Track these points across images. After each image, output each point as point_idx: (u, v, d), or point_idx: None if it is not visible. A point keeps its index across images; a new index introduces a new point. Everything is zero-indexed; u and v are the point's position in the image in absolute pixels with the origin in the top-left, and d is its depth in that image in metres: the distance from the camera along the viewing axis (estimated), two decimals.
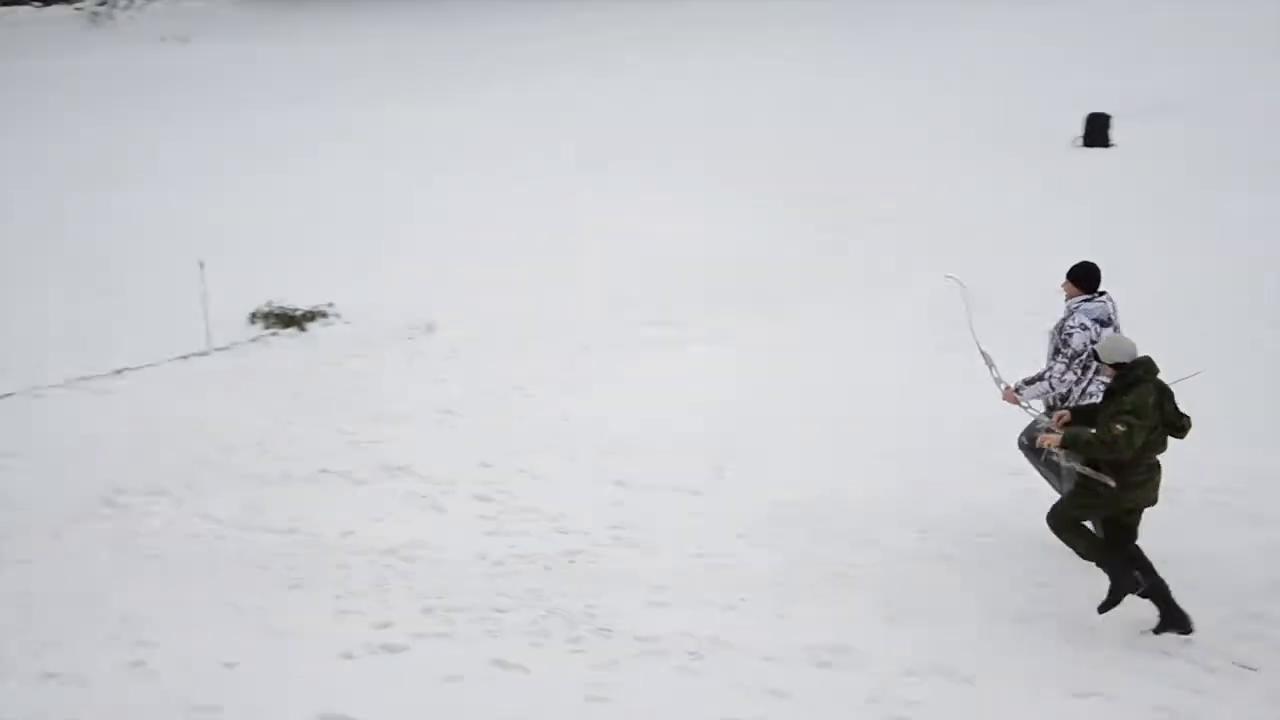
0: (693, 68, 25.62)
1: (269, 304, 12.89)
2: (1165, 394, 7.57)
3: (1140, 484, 7.60)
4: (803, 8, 31.31)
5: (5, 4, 32.43)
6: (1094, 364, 8.21)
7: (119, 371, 11.26)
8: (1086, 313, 8.55)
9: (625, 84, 24.17)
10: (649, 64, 26.03)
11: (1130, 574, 7.55)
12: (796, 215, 16.14)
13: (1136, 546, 7.71)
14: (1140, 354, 7.57)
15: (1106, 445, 7.40)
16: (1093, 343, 8.26)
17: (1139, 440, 7.36)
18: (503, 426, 10.65)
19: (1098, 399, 8.06)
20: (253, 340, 12.13)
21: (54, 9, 33.05)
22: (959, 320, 8.84)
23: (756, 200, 16.72)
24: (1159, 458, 7.62)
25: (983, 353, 8.60)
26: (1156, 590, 7.58)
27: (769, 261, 13.57)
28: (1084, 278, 8.64)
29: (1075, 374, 8.53)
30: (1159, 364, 7.52)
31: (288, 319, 12.69)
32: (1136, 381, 7.52)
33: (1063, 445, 7.70)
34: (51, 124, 21.14)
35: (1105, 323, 8.52)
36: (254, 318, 12.70)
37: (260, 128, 20.66)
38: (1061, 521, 7.78)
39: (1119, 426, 7.33)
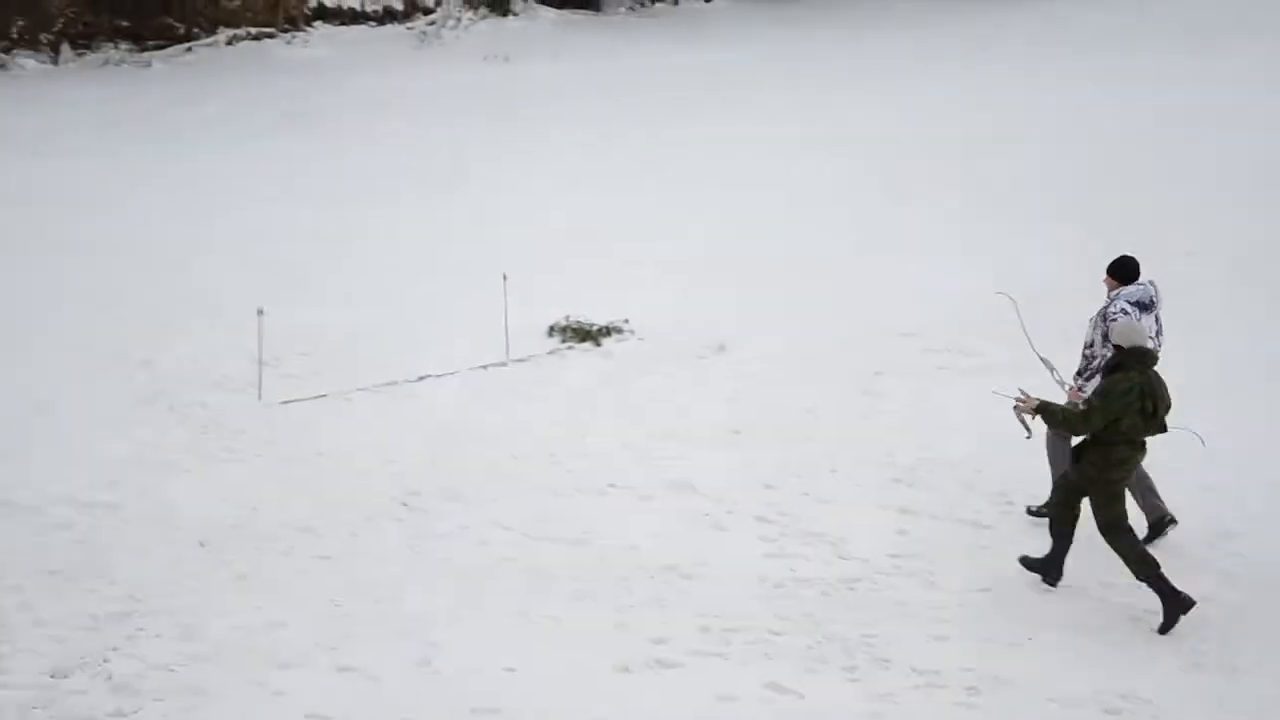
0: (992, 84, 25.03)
1: (567, 318, 13.16)
2: (1151, 390, 8.07)
3: (1119, 463, 8.18)
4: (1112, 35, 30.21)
5: (342, 23, 34.09)
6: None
7: (421, 378, 11.69)
8: (1127, 297, 9.04)
9: (914, 105, 23.75)
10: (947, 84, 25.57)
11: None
12: (1098, 246, 15.54)
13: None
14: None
15: (1066, 420, 8.29)
16: None
17: (1096, 422, 8.03)
18: (789, 449, 10.61)
19: None
20: (549, 353, 12.41)
21: (387, 28, 34.53)
22: None
23: (1046, 229, 16.19)
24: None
25: (1042, 359, 9.11)
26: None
27: (1067, 291, 13.12)
28: (1121, 270, 9.20)
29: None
30: None
31: (584, 334, 12.94)
32: (1120, 368, 8.16)
33: (1035, 410, 8.38)
34: (379, 137, 22.15)
35: (1146, 306, 9.03)
36: (552, 331, 12.99)
37: (570, 145, 21.17)
38: (1110, 527, 8.22)
39: (1081, 406, 8.22)
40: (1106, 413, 8.03)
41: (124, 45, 30.08)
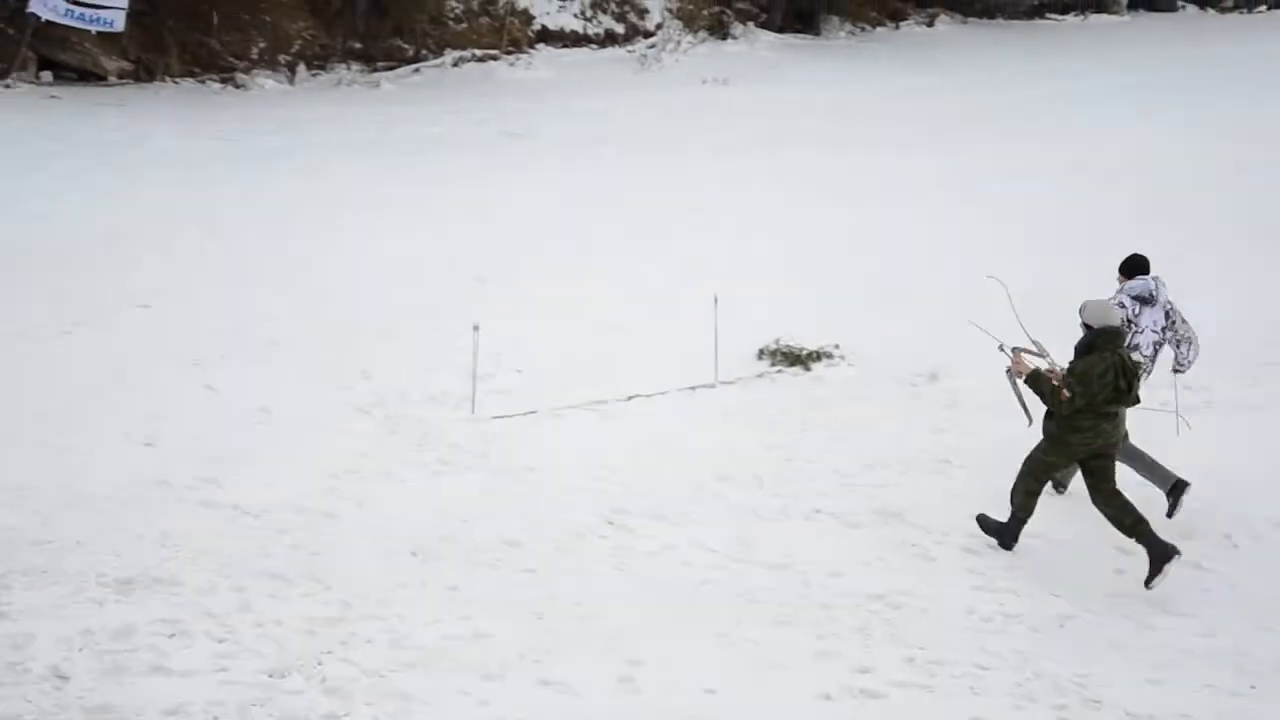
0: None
1: (777, 342, 13.12)
2: (1123, 368, 8.80)
3: (1084, 429, 8.86)
4: None
5: (564, 46, 34.67)
6: (1129, 337, 9.49)
7: (631, 398, 11.78)
8: (1129, 290, 9.81)
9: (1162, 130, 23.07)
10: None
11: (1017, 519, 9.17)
12: None
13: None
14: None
15: (1053, 400, 8.82)
16: (1128, 321, 9.55)
17: (1079, 404, 8.70)
18: (1000, 480, 10.34)
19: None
20: (758, 376, 12.40)
21: (608, 51, 34.98)
22: None
23: None
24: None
25: (1034, 342, 9.47)
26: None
27: None
28: (1127, 266, 9.99)
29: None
30: None
31: (794, 357, 12.89)
32: (1093, 348, 8.84)
33: (1027, 378, 9.05)
34: (596, 156, 22.45)
35: (1147, 299, 9.75)
36: (761, 354, 12.97)
37: (784, 168, 21.13)
38: (1029, 468, 9.15)
39: (1066, 393, 8.70)
40: (1087, 395, 8.73)
41: (355, 66, 31.07)
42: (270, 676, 7.08)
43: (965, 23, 40.00)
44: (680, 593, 8.52)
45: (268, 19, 30.42)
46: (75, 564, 8.20)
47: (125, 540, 8.60)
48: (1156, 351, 9.95)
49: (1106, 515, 9.06)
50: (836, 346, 13.04)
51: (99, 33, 26.74)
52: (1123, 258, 10.23)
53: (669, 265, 15.78)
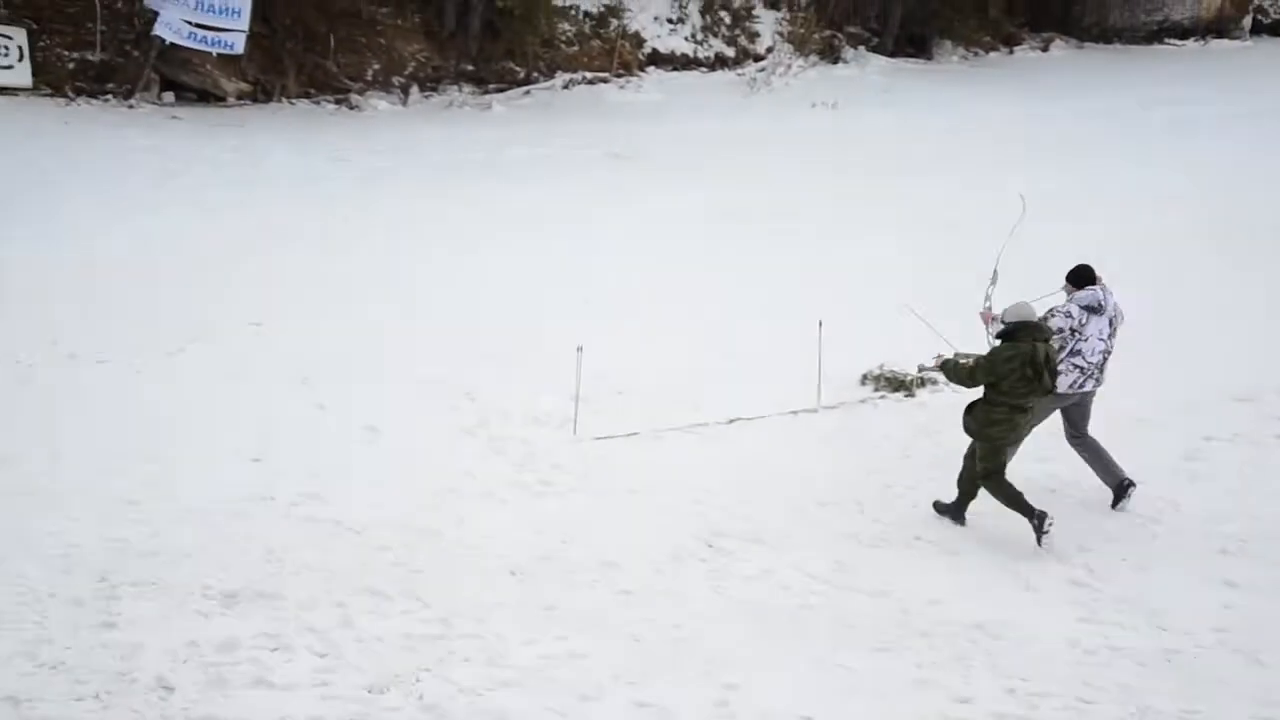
0: None
1: (880, 367, 13.04)
2: (1034, 359, 9.43)
3: (1000, 421, 9.61)
4: None
5: (674, 69, 34.81)
6: (1071, 343, 10.17)
7: (732, 420, 11.77)
8: (1078, 300, 10.33)
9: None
10: None
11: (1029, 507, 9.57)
12: None
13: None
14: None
15: (957, 373, 9.82)
16: (1073, 330, 10.21)
17: (979, 379, 9.61)
18: (1106, 513, 10.24)
19: (1070, 377, 10.18)
20: (861, 401, 12.32)
21: (718, 74, 35.07)
22: None
23: None
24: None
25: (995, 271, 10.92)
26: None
27: None
28: (1075, 277, 10.50)
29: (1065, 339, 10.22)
30: None
31: (897, 383, 12.79)
32: (1010, 337, 9.58)
33: (939, 367, 10.20)
34: (704, 178, 22.49)
35: (1095, 309, 10.25)
36: (865, 379, 12.90)
37: (893, 191, 21.03)
38: (988, 481, 9.76)
39: (967, 363, 9.76)
40: (989, 373, 9.55)
41: (467, 88, 31.44)
42: (369, 692, 7.19)
43: (1081, 48, 39.53)
44: (778, 617, 8.49)
45: (383, 41, 30.92)
46: (182, 576, 8.38)
47: (231, 554, 8.77)
48: (1104, 360, 10.35)
49: (963, 473, 10.06)
50: (936, 382, 12.92)
51: (220, 55, 27.35)
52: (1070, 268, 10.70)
53: (774, 288, 15.76)
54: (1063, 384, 10.12)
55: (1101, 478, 10.43)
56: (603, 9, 34.46)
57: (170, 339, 13.41)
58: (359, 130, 26.74)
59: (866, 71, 35.77)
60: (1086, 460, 10.52)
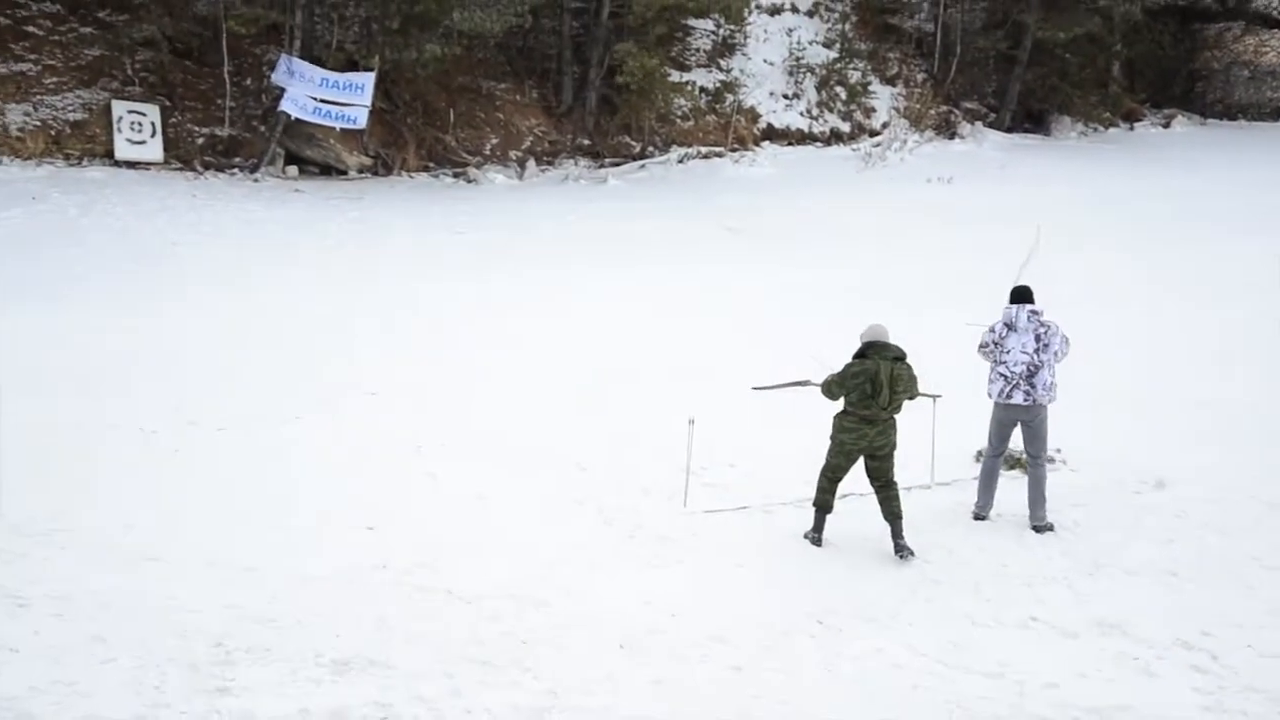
0: None
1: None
2: (875, 376, 10.41)
3: (849, 429, 10.65)
4: None
5: (789, 144, 34.94)
6: (996, 354, 11.39)
7: (843, 496, 11.66)
8: (1004, 316, 11.41)
9: None
10: None
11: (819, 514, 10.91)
12: None
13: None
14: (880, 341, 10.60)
15: (824, 387, 10.78)
16: (995, 344, 11.39)
17: (835, 393, 10.64)
18: (1231, 596, 9.94)
19: (998, 385, 11.39)
20: (975, 478, 12.12)
21: (832, 149, 35.17)
22: None
23: None
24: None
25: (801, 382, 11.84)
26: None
27: None
28: (1012, 294, 11.53)
29: (984, 357, 11.61)
30: None
31: (1014, 461, 12.57)
32: (861, 355, 10.60)
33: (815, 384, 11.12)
34: (816, 254, 22.49)
35: (1009, 324, 11.33)
36: (979, 455, 12.71)
37: (1004, 266, 20.79)
38: (822, 468, 10.88)
39: (824, 383, 10.78)
40: (840, 386, 10.59)
41: (583, 162, 31.82)
42: None
43: (1204, 124, 39.10)
44: (890, 697, 8.36)
45: (501, 116, 31.45)
46: (296, 643, 8.46)
47: (344, 621, 8.84)
48: (1030, 371, 11.25)
49: (880, 505, 10.78)
50: (1058, 450, 12.70)
51: (343, 129, 27.99)
52: None
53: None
54: (993, 390, 11.46)
55: (1029, 505, 11.40)
56: (719, 84, 34.76)
57: (288, 407, 13.66)
58: (475, 203, 27.15)
59: (983, 147, 35.66)
60: (1028, 482, 11.49)
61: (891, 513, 10.73)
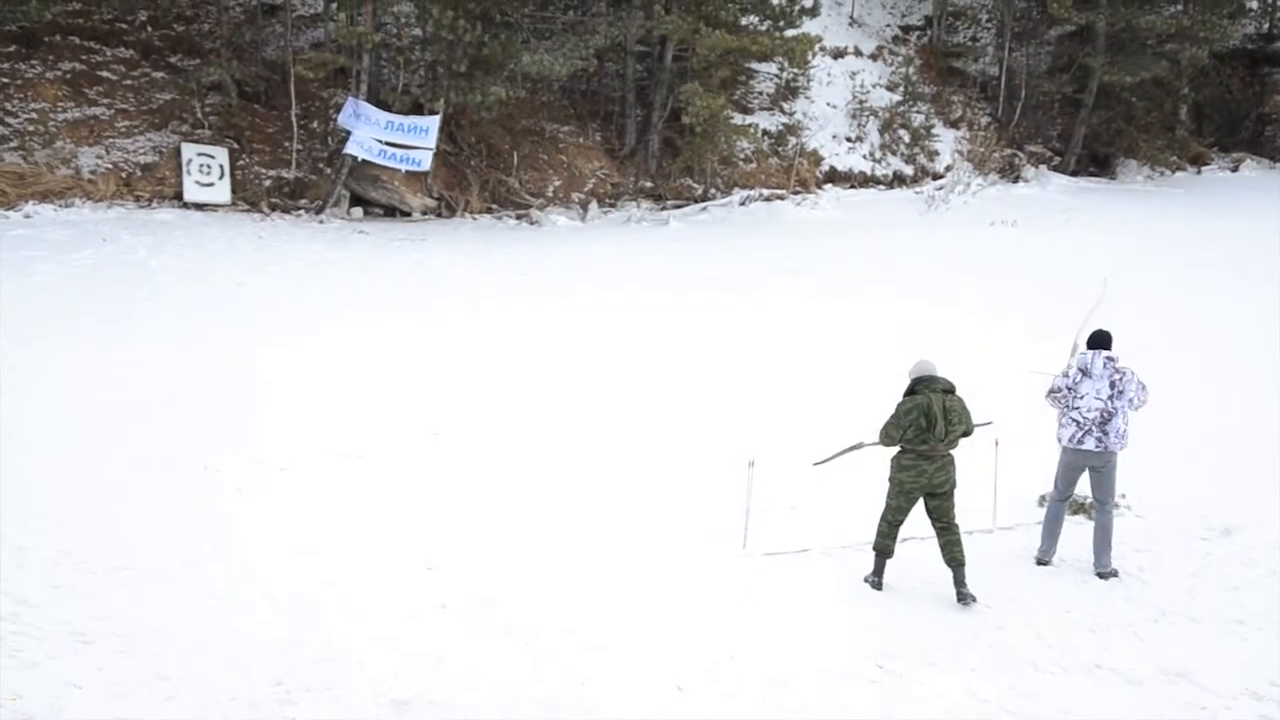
0: None
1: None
2: (929, 410, 10.37)
3: (907, 467, 10.59)
4: None
5: (852, 186, 34.95)
6: (1069, 400, 11.22)
7: (903, 540, 11.56)
8: (1079, 362, 11.31)
9: None
10: None
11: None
12: None
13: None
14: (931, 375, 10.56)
15: (882, 434, 10.66)
16: (1069, 389, 11.23)
17: (894, 436, 10.54)
18: None
19: (1069, 430, 11.24)
20: (1038, 523, 11.99)
21: (895, 192, 35.19)
22: None
23: None
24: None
25: (1075, 344, 12.02)
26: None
27: None
28: (1090, 339, 11.37)
29: (1054, 403, 11.44)
30: None
31: (1077, 505, 12.44)
32: (911, 393, 10.57)
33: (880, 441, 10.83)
34: (876, 295, 22.43)
35: (1084, 370, 11.19)
36: (1043, 500, 12.58)
37: (1064, 311, 20.65)
38: (883, 512, 10.85)
39: (881, 431, 10.66)
40: (896, 426, 10.51)
41: (645, 204, 31.95)
42: None
43: (1274, 167, 38.76)
44: None
45: (564, 159, 31.67)
46: (356, 682, 8.48)
47: (403, 661, 8.86)
48: (1103, 418, 11.10)
49: (941, 551, 10.68)
50: (1123, 496, 12.56)
51: (407, 171, 28.28)
52: None
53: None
54: (1064, 435, 11.30)
55: (1094, 551, 11.28)
56: (781, 127, 34.86)
57: (351, 445, 13.75)
58: (537, 245, 27.31)
59: (1047, 190, 35.52)
60: (1094, 528, 11.35)
61: (953, 559, 10.61)
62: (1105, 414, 11.09)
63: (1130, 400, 11.12)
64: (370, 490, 12.53)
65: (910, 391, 10.63)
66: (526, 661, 9.03)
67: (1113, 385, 11.08)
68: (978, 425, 10.97)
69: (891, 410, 10.64)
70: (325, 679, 8.51)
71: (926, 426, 10.41)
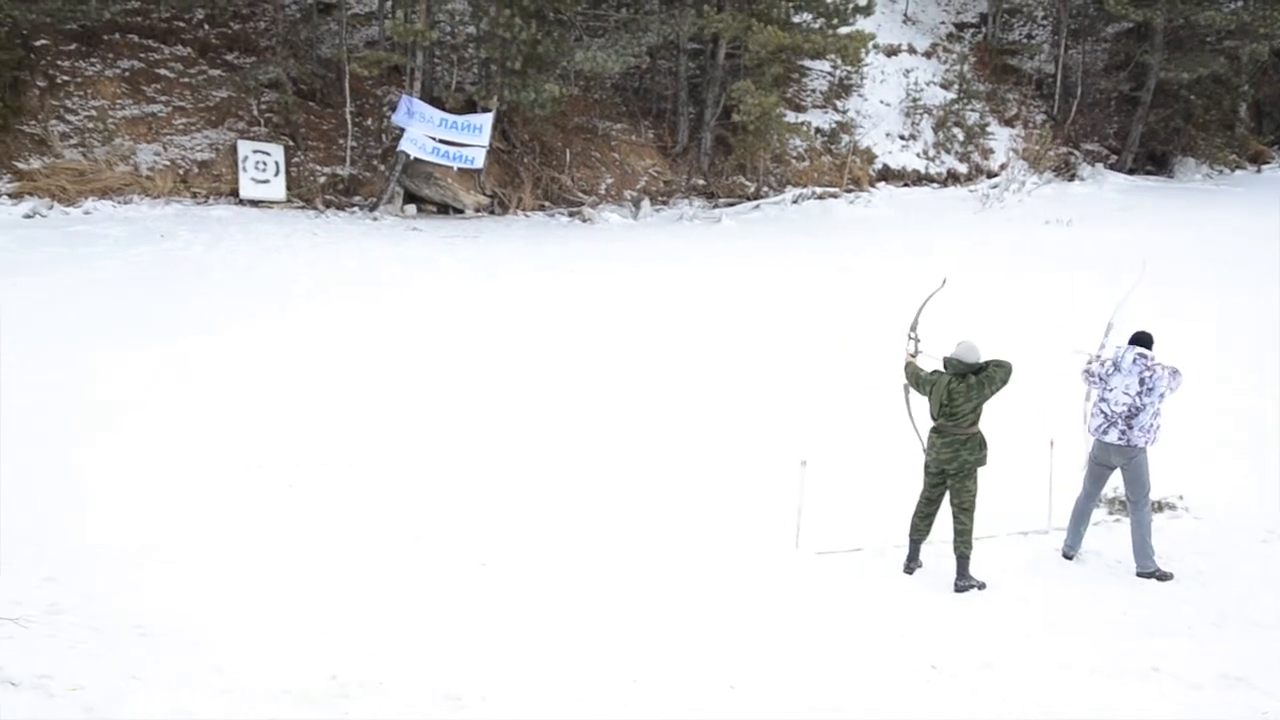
0: None
1: (1116, 489, 12.59)
2: (947, 390, 10.59)
3: (930, 445, 10.83)
4: None
5: (905, 184, 34.78)
6: (1100, 390, 11.36)
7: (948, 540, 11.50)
8: (1114, 355, 11.45)
9: None
10: None
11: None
12: None
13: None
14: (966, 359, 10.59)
15: (906, 368, 11.13)
16: (1100, 378, 11.37)
17: (908, 376, 11.02)
18: None
19: (1096, 420, 11.33)
20: (1095, 524, 11.88)
21: (949, 190, 34.98)
22: None
23: None
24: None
25: (1109, 324, 12.28)
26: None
27: None
28: (1133, 336, 11.42)
29: (1086, 380, 11.59)
30: None
31: (1120, 505, 12.33)
32: (946, 366, 10.68)
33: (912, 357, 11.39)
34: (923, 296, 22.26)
35: (1117, 364, 11.29)
36: (1099, 501, 12.48)
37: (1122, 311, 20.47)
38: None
39: (911, 372, 11.08)
40: (915, 382, 10.96)
41: (697, 202, 31.92)
42: None
43: None
44: None
45: (617, 156, 31.67)
46: (409, 676, 8.50)
47: (456, 656, 8.88)
48: (1130, 412, 11.15)
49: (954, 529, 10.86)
50: (1180, 498, 12.45)
51: (460, 169, 28.37)
52: None
53: (1006, 406, 15.40)
54: (1091, 425, 11.44)
55: (1134, 553, 11.26)
56: (834, 125, 34.74)
57: (401, 444, 13.80)
58: (589, 243, 27.32)
59: (1104, 189, 35.20)
60: (1130, 527, 11.37)
61: (955, 549, 10.85)
62: (1132, 409, 11.16)
63: (1160, 395, 11.16)
64: (423, 488, 12.57)
65: (945, 364, 10.81)
66: (578, 658, 9.03)
67: (1142, 382, 11.14)
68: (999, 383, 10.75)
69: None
70: (378, 673, 8.54)
71: (942, 403, 10.66)
